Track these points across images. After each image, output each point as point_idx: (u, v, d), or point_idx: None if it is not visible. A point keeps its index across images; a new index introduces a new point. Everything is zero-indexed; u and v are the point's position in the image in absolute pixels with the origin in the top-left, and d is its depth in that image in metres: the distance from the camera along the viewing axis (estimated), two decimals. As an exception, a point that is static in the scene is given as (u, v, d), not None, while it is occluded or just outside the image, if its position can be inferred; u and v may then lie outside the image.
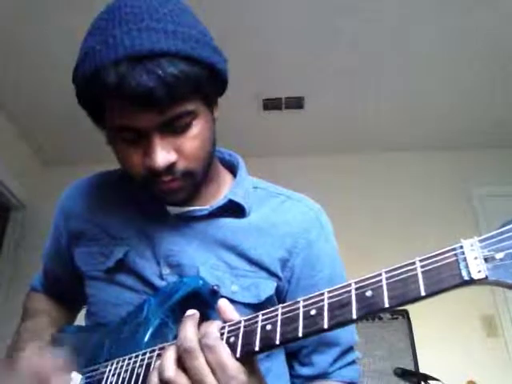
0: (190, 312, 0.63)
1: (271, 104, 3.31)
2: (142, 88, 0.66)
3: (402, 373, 2.80)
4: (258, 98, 3.27)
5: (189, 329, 0.59)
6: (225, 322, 0.61)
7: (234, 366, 0.56)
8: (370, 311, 0.48)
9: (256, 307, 0.69)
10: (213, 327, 0.59)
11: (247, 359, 0.58)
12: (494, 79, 3.08)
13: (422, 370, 2.84)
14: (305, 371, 0.86)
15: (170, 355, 0.59)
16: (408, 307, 3.00)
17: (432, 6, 2.55)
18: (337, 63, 2.96)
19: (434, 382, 2.63)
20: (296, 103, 3.31)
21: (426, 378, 2.69)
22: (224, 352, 0.56)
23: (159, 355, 0.66)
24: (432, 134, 3.61)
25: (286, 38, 2.77)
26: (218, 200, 0.87)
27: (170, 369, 0.58)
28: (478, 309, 3.12)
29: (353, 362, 0.88)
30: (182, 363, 0.58)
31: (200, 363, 0.56)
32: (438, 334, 3.01)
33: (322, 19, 2.64)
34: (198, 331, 0.59)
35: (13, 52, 2.78)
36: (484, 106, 3.33)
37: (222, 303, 0.63)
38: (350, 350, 0.88)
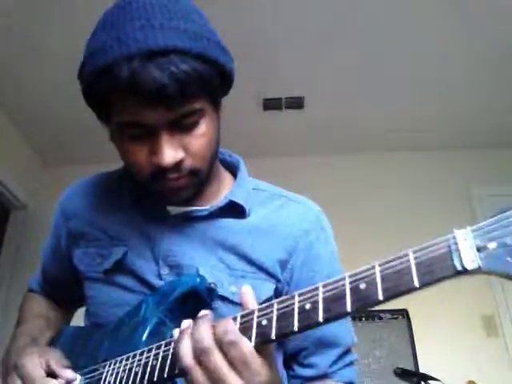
0: (203, 312, 0.62)
1: (271, 104, 3.32)
2: (154, 84, 0.66)
3: (402, 373, 2.80)
4: (258, 98, 3.27)
5: (204, 328, 0.58)
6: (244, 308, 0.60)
7: (258, 362, 0.55)
8: (365, 304, 0.48)
9: None
10: (231, 323, 0.58)
11: (265, 354, 0.57)
12: (494, 79, 3.08)
13: (422, 370, 2.83)
14: (305, 372, 0.85)
15: (187, 348, 0.58)
16: (408, 307, 3.00)
17: (433, 5, 2.55)
18: (337, 63, 2.96)
19: (434, 381, 2.62)
20: (296, 103, 3.31)
21: (426, 377, 2.69)
22: (246, 347, 0.55)
23: (156, 355, 0.66)
24: (432, 134, 3.61)
25: (286, 38, 2.77)
26: (219, 200, 0.87)
27: (189, 359, 0.57)
28: (478, 309, 3.11)
29: (351, 363, 0.87)
30: (200, 362, 0.56)
31: (219, 362, 0.55)
32: (438, 333, 3.01)
33: (322, 19, 2.65)
34: (216, 329, 0.58)
35: (13, 52, 2.79)
36: (484, 106, 3.33)
37: (244, 289, 0.61)
38: (348, 351, 0.87)
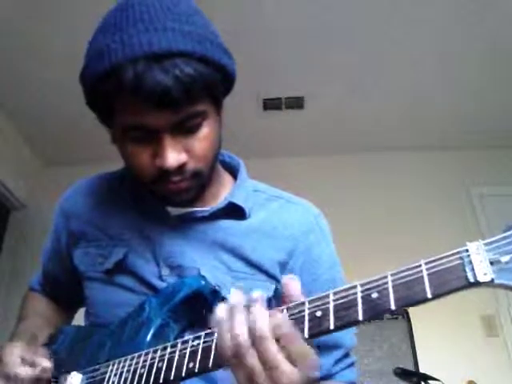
0: (257, 294, 0.58)
1: (271, 104, 3.32)
2: (159, 87, 0.66)
3: (402, 373, 2.80)
4: (258, 98, 3.27)
5: (262, 313, 0.55)
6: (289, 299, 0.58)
7: (314, 357, 0.54)
8: (376, 313, 0.49)
9: None
10: (284, 315, 0.56)
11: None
12: (494, 79, 3.09)
13: (422, 370, 2.84)
14: None
15: (243, 327, 0.55)
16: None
17: (433, 5, 2.55)
18: (337, 63, 2.96)
19: (434, 381, 2.62)
20: (296, 103, 3.31)
21: (426, 378, 2.69)
22: (301, 340, 0.53)
23: (162, 356, 0.66)
24: (432, 134, 3.62)
25: (286, 38, 2.77)
26: (219, 202, 0.87)
27: (245, 337, 0.54)
28: (478, 309, 3.12)
29: (352, 365, 0.88)
30: (254, 347, 0.54)
31: (275, 352, 0.52)
32: (438, 334, 3.02)
33: (321, 19, 2.65)
34: (272, 319, 0.55)
35: (13, 52, 2.78)
36: (484, 105, 3.33)
37: (287, 279, 0.59)
38: (349, 352, 0.88)
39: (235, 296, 0.59)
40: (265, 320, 0.54)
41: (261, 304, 0.56)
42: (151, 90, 0.66)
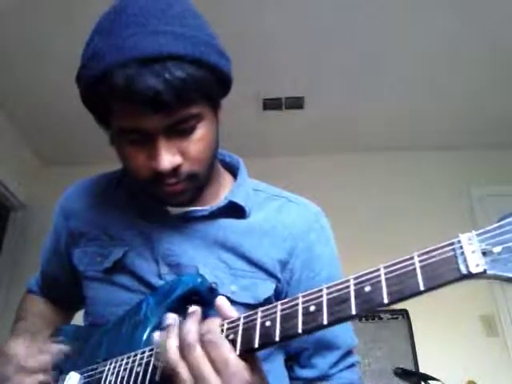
0: (192, 309, 0.63)
1: (271, 104, 3.32)
2: (149, 91, 0.66)
3: (402, 373, 2.80)
4: (258, 98, 3.27)
5: (191, 325, 0.60)
6: (223, 319, 0.61)
7: (236, 363, 0.56)
8: (369, 307, 0.48)
9: (255, 308, 0.70)
10: (215, 324, 0.59)
11: (248, 356, 0.58)
12: (494, 79, 3.08)
13: (422, 370, 2.84)
14: (305, 373, 0.86)
15: (173, 342, 0.60)
16: (408, 307, 3.00)
17: (433, 5, 2.55)
18: (337, 63, 2.96)
19: (434, 382, 2.63)
20: (296, 103, 3.31)
21: (426, 378, 2.70)
22: (227, 348, 0.57)
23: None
24: (432, 133, 3.61)
25: (286, 37, 2.77)
26: (219, 201, 0.87)
27: (174, 353, 0.59)
28: (477, 309, 3.11)
29: (353, 365, 0.88)
30: (184, 357, 0.58)
31: (201, 359, 0.57)
32: (438, 334, 3.01)
33: (322, 18, 2.65)
34: (201, 328, 0.59)
35: (13, 52, 2.79)
36: (484, 106, 3.33)
37: (220, 301, 0.63)
38: (349, 352, 0.88)
39: (168, 319, 0.64)
40: (191, 329, 0.59)
41: (192, 316, 0.61)
42: (142, 94, 0.66)
